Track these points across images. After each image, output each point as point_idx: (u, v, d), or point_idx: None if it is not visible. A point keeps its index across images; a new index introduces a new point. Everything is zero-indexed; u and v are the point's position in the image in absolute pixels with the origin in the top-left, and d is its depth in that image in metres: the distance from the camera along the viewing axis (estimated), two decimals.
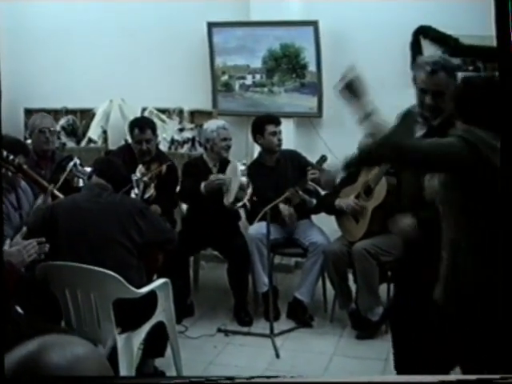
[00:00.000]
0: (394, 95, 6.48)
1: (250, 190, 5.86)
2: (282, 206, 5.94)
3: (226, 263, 6.12)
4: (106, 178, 4.57)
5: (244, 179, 5.84)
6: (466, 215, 3.22)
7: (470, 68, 7.02)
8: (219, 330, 5.75)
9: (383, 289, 5.71)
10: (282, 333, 5.69)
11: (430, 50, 7.04)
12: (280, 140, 6.19)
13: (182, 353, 4.80)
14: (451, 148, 3.15)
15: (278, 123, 6.18)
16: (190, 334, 5.61)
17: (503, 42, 2.54)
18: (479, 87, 3.23)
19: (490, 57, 6.96)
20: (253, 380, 1.62)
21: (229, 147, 6.20)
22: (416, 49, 7.01)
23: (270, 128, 6.15)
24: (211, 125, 6.27)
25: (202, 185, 5.93)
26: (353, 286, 5.91)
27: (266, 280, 5.94)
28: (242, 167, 5.93)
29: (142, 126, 6.15)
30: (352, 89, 3.45)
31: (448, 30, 6.91)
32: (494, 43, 6.83)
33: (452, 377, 3.04)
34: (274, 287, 6.02)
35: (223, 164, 6.21)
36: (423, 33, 7.00)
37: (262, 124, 6.20)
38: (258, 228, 5.92)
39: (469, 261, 3.26)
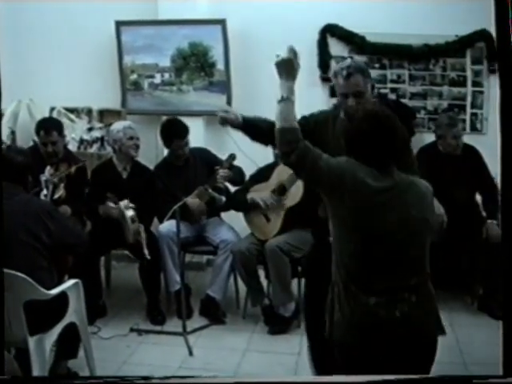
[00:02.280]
0: (302, 93, 6.53)
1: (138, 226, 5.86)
2: (190, 201, 5.95)
3: (137, 262, 6.11)
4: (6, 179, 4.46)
5: (131, 213, 5.82)
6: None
7: (377, 65, 7.17)
8: (132, 330, 5.75)
9: (294, 283, 5.80)
10: (194, 330, 5.71)
11: (336, 48, 7.17)
12: (186, 149, 6.21)
13: (95, 353, 4.77)
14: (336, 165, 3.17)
15: (184, 135, 6.17)
16: (102, 335, 5.58)
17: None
18: (360, 125, 3.22)
19: (395, 54, 7.14)
20: (168, 381, 1.65)
21: (137, 146, 6.18)
22: (323, 47, 7.14)
23: (177, 142, 6.16)
24: (117, 126, 6.25)
25: (101, 210, 5.97)
26: (264, 282, 5.98)
27: (177, 278, 5.97)
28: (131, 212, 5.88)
29: (48, 127, 6.08)
30: (284, 67, 3.51)
31: (354, 28, 7.05)
32: (399, 40, 7.02)
33: (378, 377, 3.14)
34: (185, 285, 6.05)
35: (134, 168, 6.21)
36: (330, 31, 7.13)
37: (169, 137, 6.19)
38: (168, 226, 5.93)
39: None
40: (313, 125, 4.27)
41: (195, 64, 7.16)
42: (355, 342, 3.17)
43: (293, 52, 3.63)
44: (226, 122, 4.70)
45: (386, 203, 3.13)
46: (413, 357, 3.24)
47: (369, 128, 3.18)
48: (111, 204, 5.93)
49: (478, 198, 6.56)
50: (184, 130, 6.16)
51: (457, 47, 7.08)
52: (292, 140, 3.20)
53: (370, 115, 3.25)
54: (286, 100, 3.35)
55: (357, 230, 3.13)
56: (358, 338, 3.16)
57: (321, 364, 4.65)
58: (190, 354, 5.32)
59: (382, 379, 3.21)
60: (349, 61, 4.24)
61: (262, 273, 5.98)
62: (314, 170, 3.17)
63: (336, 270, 3.22)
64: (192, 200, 5.98)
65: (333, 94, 7.16)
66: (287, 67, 3.52)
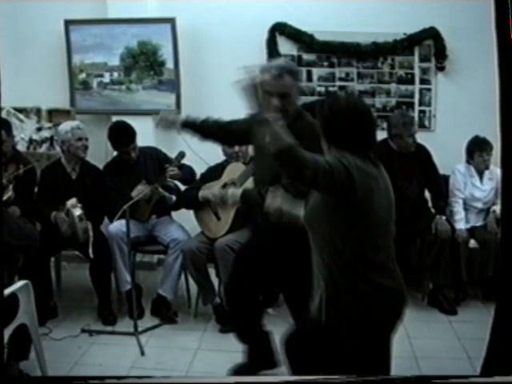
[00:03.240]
0: None
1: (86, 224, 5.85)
2: (138, 189, 5.92)
3: (88, 263, 6.07)
4: None
5: (78, 212, 5.81)
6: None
7: (325, 63, 7.21)
8: (83, 331, 5.71)
9: None
10: (146, 330, 5.70)
11: (285, 47, 7.20)
12: (135, 151, 6.19)
13: (47, 354, 4.74)
14: (339, 170, 3.13)
15: (132, 141, 6.15)
16: (54, 336, 5.54)
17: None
18: (344, 112, 3.24)
19: (343, 52, 7.19)
20: (123, 381, 1.64)
21: (85, 147, 6.14)
22: (272, 45, 7.16)
23: (123, 149, 6.15)
24: (65, 126, 6.19)
25: (52, 215, 5.92)
26: (215, 281, 5.99)
27: (128, 278, 5.94)
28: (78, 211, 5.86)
29: None
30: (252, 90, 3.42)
31: (303, 26, 7.09)
32: (347, 39, 7.08)
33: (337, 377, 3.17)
34: (136, 285, 6.04)
35: (83, 167, 6.18)
36: (279, 29, 7.16)
37: (117, 142, 6.17)
38: (118, 226, 5.91)
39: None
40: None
41: (144, 63, 7.14)
42: (375, 319, 3.32)
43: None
44: (161, 122, 4.69)
45: (381, 187, 3.33)
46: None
47: (355, 116, 3.25)
48: (62, 214, 5.88)
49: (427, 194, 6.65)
50: (131, 136, 6.13)
51: (405, 45, 7.16)
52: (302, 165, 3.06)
53: (352, 104, 3.31)
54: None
55: (364, 215, 3.22)
56: (376, 314, 3.31)
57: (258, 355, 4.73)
58: (142, 353, 5.30)
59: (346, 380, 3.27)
60: (282, 60, 4.26)
61: (212, 271, 5.99)
62: (333, 183, 3.12)
63: (337, 260, 3.27)
64: (138, 188, 5.93)
65: None
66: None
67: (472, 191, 6.55)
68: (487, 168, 6.54)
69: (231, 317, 4.94)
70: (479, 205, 6.59)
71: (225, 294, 4.90)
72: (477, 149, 6.45)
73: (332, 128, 3.28)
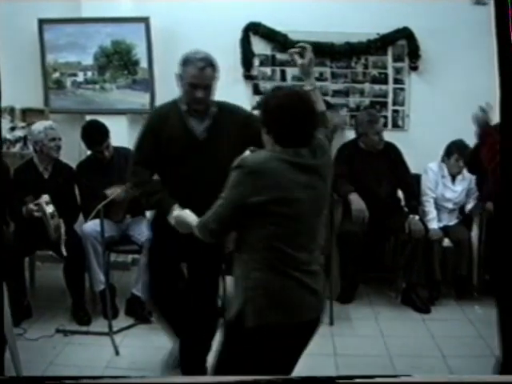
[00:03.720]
0: (224, 90, 6.59)
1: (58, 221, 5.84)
2: (112, 189, 5.91)
3: (62, 263, 6.05)
4: None
5: (51, 209, 5.80)
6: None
7: (290, 59, 7.24)
8: (58, 331, 5.69)
9: None
10: (120, 330, 5.69)
11: (259, 46, 7.23)
12: (109, 150, 6.17)
13: (21, 355, 4.70)
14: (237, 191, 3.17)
15: (105, 140, 6.13)
16: (28, 336, 5.51)
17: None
18: (285, 107, 3.19)
19: (317, 52, 7.20)
20: (99, 381, 1.65)
21: (58, 147, 6.12)
22: (246, 45, 7.19)
23: (97, 148, 6.13)
24: (38, 126, 6.15)
25: (24, 209, 5.87)
26: None
27: (102, 278, 5.93)
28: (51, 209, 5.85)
29: None
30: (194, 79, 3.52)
31: (277, 26, 7.11)
32: (321, 38, 7.09)
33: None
34: (111, 285, 6.02)
35: (56, 167, 6.16)
36: (253, 29, 7.18)
37: (90, 141, 6.15)
38: (92, 226, 5.89)
39: None
40: (157, 124, 4.38)
41: (118, 62, 7.13)
42: (289, 318, 3.24)
43: None
44: None
45: (303, 184, 3.19)
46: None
47: (296, 106, 3.20)
48: (32, 205, 5.85)
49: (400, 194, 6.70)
50: (104, 134, 6.11)
51: (378, 45, 7.20)
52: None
53: (294, 94, 3.29)
54: None
55: (278, 215, 3.16)
56: (292, 313, 3.24)
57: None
58: (117, 353, 5.30)
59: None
60: (203, 52, 4.27)
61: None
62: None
63: (256, 257, 3.23)
64: (111, 190, 5.92)
65: (256, 91, 7.22)
66: None
67: (443, 191, 6.60)
68: (459, 173, 6.59)
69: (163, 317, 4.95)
70: (450, 205, 6.64)
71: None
72: (457, 152, 6.48)
73: (268, 123, 3.25)
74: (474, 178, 6.46)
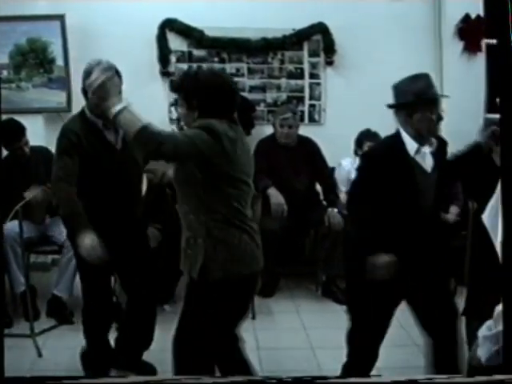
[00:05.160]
0: (145, 86, 6.64)
1: None
2: (26, 194, 5.85)
3: None
4: None
5: None
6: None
7: (216, 59, 7.26)
8: None
9: None
10: (43, 332, 5.63)
11: (176, 43, 7.22)
12: (26, 148, 6.09)
13: None
14: (202, 140, 3.36)
15: (23, 135, 6.06)
16: None
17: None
18: (209, 81, 3.56)
19: (233, 48, 7.24)
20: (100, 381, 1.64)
21: None
22: (162, 42, 7.17)
23: (16, 145, 6.05)
24: None
25: None
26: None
27: (22, 280, 5.85)
28: None
29: None
30: (103, 90, 3.47)
31: (193, 22, 7.12)
32: (237, 34, 7.11)
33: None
34: (31, 286, 5.95)
35: None
36: (169, 26, 7.18)
37: (9, 141, 6.06)
38: (10, 227, 5.81)
39: None
40: (73, 142, 4.33)
41: (34, 60, 7.04)
42: (247, 268, 3.62)
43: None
44: None
45: (240, 147, 3.56)
46: None
47: (223, 83, 3.61)
48: None
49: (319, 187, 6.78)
50: (21, 130, 6.04)
51: (294, 40, 7.27)
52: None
53: (218, 74, 3.84)
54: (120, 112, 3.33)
55: (229, 174, 3.51)
56: (249, 264, 3.63)
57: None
58: (40, 355, 5.25)
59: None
60: (105, 61, 4.22)
61: None
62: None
63: (216, 216, 3.51)
64: (28, 193, 5.87)
65: None
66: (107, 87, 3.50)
67: None
68: None
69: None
70: None
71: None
72: (367, 140, 6.60)
73: (198, 99, 3.52)
74: None
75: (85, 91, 4.22)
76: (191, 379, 1.92)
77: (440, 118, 3.95)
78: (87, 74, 4.08)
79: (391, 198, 3.82)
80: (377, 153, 4.25)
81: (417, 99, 3.90)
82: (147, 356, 4.86)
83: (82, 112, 4.41)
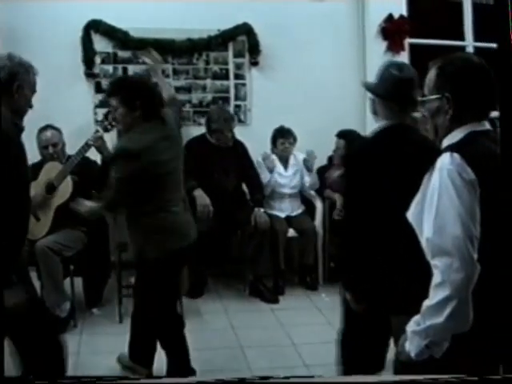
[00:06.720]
0: (68, 86, 6.56)
1: None
2: None
3: None
4: None
5: None
6: None
7: (141, 60, 7.21)
8: None
9: (67, 283, 5.73)
10: None
11: (101, 44, 7.16)
12: None
13: None
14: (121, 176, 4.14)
15: None
16: None
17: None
18: (145, 83, 4.32)
19: (158, 49, 7.21)
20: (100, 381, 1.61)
21: None
22: (87, 43, 7.09)
23: None
24: None
25: None
26: (37, 283, 5.86)
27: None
28: None
29: None
30: None
31: (118, 23, 7.07)
32: (162, 35, 7.08)
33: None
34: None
35: None
36: (93, 27, 7.10)
37: None
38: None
39: None
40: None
41: None
42: (181, 243, 4.25)
43: None
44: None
45: (162, 139, 4.15)
46: None
47: (148, 90, 4.18)
48: None
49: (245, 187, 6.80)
50: None
51: (219, 41, 7.27)
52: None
53: (141, 80, 4.61)
54: None
55: (151, 168, 4.06)
56: (181, 239, 4.27)
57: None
58: None
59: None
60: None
61: (34, 275, 5.85)
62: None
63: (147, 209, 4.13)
64: None
65: (98, 89, 7.14)
66: None
67: (276, 179, 6.77)
68: (289, 154, 6.82)
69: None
70: (286, 190, 6.86)
71: None
72: (279, 136, 6.77)
73: (142, 100, 4.05)
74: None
75: (21, 86, 4.03)
76: (191, 380, 1.93)
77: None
78: (26, 69, 3.97)
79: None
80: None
81: None
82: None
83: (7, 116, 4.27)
